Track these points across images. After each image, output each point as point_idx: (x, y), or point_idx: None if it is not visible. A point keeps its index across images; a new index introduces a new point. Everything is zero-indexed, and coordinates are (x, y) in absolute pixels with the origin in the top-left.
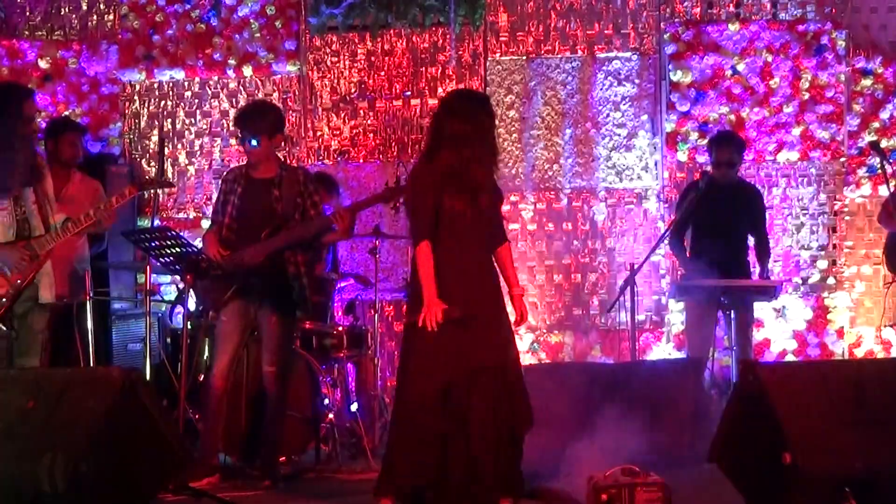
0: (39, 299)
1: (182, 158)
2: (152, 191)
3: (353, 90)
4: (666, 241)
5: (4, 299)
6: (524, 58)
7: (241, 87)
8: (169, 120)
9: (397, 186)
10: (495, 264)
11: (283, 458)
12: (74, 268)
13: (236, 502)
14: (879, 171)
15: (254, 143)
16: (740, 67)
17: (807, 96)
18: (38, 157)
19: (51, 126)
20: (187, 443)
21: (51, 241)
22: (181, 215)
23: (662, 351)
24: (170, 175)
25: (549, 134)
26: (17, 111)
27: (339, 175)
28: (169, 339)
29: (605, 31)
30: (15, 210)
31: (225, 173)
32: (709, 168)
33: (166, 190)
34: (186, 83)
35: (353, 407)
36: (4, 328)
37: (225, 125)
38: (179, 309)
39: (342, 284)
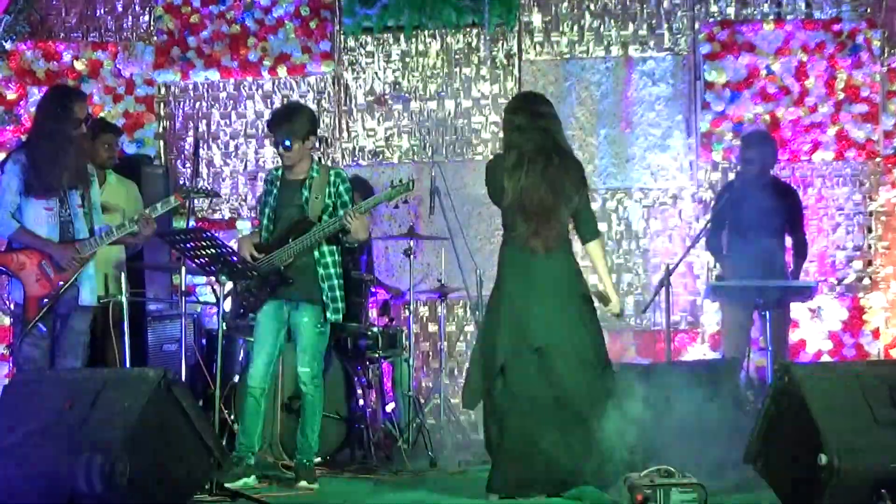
0: (80, 301)
1: (217, 160)
2: (201, 198)
3: (387, 90)
4: (701, 242)
5: (46, 300)
6: (558, 58)
7: (276, 88)
8: (204, 121)
9: (400, 185)
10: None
11: (319, 458)
12: (111, 268)
13: (272, 503)
14: None
15: (287, 144)
16: (775, 67)
17: (842, 96)
18: (87, 161)
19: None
20: (223, 443)
21: (94, 245)
22: (216, 216)
23: (698, 351)
24: (204, 176)
25: (583, 134)
26: (67, 113)
27: (374, 176)
28: (204, 341)
29: (640, 32)
30: (60, 212)
31: (265, 175)
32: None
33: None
34: (221, 84)
35: (389, 407)
36: (46, 329)
37: (260, 126)
38: (215, 310)
39: (373, 290)
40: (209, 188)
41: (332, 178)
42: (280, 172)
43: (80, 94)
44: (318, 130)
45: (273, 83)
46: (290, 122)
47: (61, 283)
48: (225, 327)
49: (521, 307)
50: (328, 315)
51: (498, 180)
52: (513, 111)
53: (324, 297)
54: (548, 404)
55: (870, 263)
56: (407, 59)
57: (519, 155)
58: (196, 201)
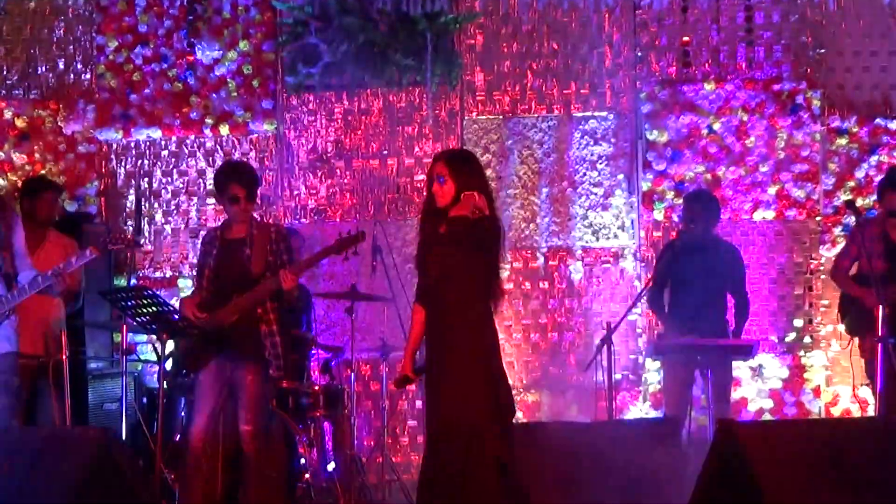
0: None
1: (158, 217)
2: (120, 250)
3: (329, 149)
4: (643, 300)
5: None
6: (500, 117)
7: (218, 146)
8: (146, 179)
9: (348, 237)
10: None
11: None
12: (50, 326)
13: None
14: None
15: (238, 196)
16: (716, 127)
17: (782, 155)
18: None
19: (27, 185)
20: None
21: (8, 301)
22: (157, 274)
23: (639, 410)
24: (146, 233)
25: (525, 193)
26: None
27: (315, 234)
28: (145, 399)
29: (582, 91)
30: None
31: (202, 236)
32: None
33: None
34: (163, 142)
35: (330, 466)
36: None
37: (202, 184)
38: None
39: (313, 352)
40: (128, 238)
41: (272, 236)
42: (218, 232)
43: None
44: (261, 189)
45: (215, 141)
46: (249, 177)
47: None
48: (166, 386)
49: None
50: (271, 372)
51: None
52: None
53: (266, 355)
54: None
55: (810, 322)
56: (349, 118)
57: None
58: (137, 256)
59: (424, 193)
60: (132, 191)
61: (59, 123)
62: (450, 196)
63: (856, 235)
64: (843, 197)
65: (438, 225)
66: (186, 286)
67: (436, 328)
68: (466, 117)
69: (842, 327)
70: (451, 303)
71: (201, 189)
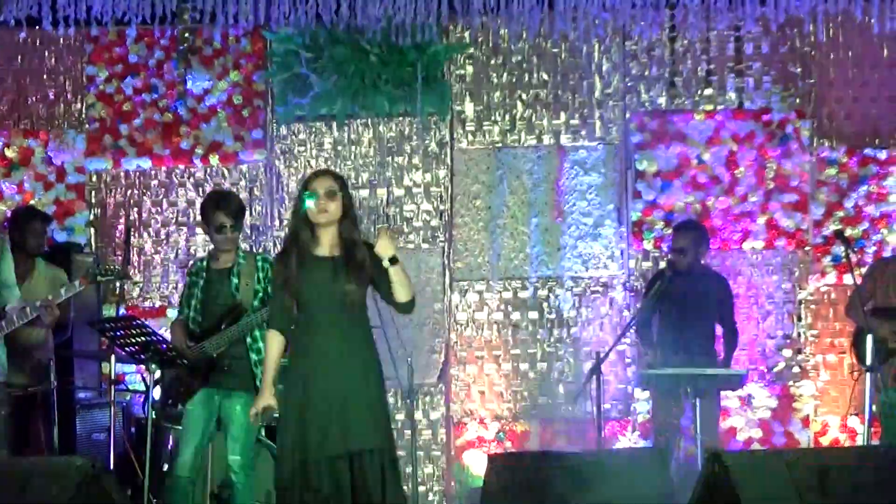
0: None
1: (148, 247)
2: (109, 282)
3: None
4: (632, 330)
5: None
6: (490, 147)
7: (208, 176)
8: (135, 209)
9: None
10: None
11: None
12: (38, 356)
13: None
14: (844, 259)
15: (232, 224)
16: (706, 157)
17: (772, 185)
18: None
19: (16, 215)
20: None
21: None
22: (147, 304)
23: (628, 440)
24: (135, 264)
25: (515, 223)
26: None
27: None
28: (134, 429)
29: (571, 121)
30: None
31: (188, 265)
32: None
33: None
34: (153, 172)
35: None
36: None
37: (192, 214)
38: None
39: None
40: (117, 269)
41: (259, 264)
42: (205, 263)
43: None
44: (250, 219)
45: (205, 171)
46: (235, 206)
47: None
48: (154, 415)
49: None
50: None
51: None
52: None
53: (257, 384)
54: None
55: (799, 352)
56: (339, 148)
57: None
58: (126, 286)
59: (303, 208)
60: (122, 221)
61: (48, 154)
62: (339, 212)
63: (873, 272)
64: (833, 227)
65: (311, 244)
66: (175, 316)
67: (345, 346)
68: (456, 147)
69: (833, 357)
70: (360, 321)
71: (191, 219)
